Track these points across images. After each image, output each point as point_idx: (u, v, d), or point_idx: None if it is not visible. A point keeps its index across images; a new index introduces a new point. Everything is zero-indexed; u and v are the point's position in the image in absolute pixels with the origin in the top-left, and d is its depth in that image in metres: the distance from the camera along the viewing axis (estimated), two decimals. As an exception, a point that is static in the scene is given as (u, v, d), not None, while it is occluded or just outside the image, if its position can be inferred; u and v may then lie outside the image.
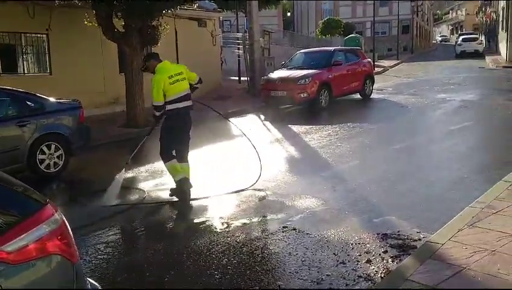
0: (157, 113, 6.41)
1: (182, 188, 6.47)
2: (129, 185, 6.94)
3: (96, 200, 6.39)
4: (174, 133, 6.47)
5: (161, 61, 6.47)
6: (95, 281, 2.52)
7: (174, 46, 16.60)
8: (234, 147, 9.38)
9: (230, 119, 9.22)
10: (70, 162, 8.04)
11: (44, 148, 7.60)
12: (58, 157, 7.79)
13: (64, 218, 2.13)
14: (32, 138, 7.40)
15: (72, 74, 13.41)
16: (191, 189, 6.51)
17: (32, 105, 7.63)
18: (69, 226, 2.15)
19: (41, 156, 7.55)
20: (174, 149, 6.55)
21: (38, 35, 13.27)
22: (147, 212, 6.07)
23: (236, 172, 7.58)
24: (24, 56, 13.14)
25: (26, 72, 13.12)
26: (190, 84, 6.56)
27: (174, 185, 6.52)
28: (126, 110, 12.45)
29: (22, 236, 1.87)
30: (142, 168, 7.91)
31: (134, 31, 11.70)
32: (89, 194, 6.70)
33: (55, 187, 7.54)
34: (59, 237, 2.03)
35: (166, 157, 6.54)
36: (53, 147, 7.71)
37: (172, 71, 6.36)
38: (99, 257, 4.71)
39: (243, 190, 6.55)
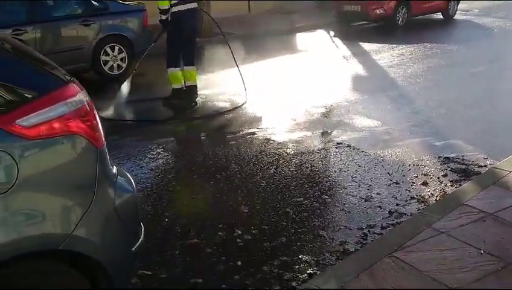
0: (163, 17, 6.25)
1: (179, 95, 6.45)
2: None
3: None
4: (179, 36, 6.30)
5: None
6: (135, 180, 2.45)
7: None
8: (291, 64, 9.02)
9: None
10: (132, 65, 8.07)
11: (108, 50, 7.64)
12: (121, 59, 7.84)
13: (90, 100, 2.02)
14: (96, 38, 7.44)
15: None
16: (197, 98, 6.53)
17: (97, 5, 7.60)
18: (96, 110, 2.05)
19: (104, 58, 7.62)
20: (181, 52, 6.42)
21: None
22: (197, 120, 6.01)
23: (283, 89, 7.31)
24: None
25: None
26: None
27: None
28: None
29: (39, 111, 1.78)
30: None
31: None
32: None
33: (117, 89, 7.62)
34: (83, 118, 1.93)
35: (171, 63, 6.45)
36: (116, 49, 7.73)
37: None
38: (148, 156, 4.77)
39: (237, 108, 6.28)
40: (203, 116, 6.09)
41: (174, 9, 6.19)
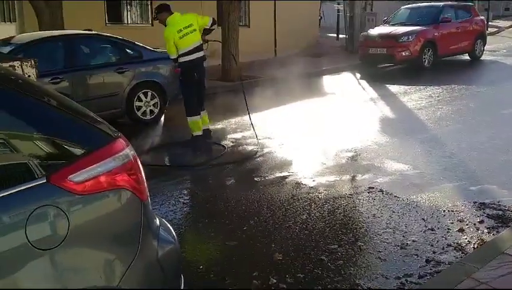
0: (176, 64, 6.58)
1: (197, 142, 6.65)
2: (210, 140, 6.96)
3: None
4: (192, 84, 6.57)
5: (172, 13, 6.50)
6: (169, 223, 2.51)
7: (272, 1, 16.31)
8: (323, 105, 9.10)
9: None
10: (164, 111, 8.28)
11: (141, 96, 7.87)
12: (153, 105, 8.06)
13: (135, 154, 2.10)
14: (130, 84, 7.69)
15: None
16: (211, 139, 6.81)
17: (131, 53, 7.90)
18: (140, 164, 2.13)
19: (138, 103, 7.85)
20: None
21: (142, -12, 13.69)
22: (230, 163, 6.07)
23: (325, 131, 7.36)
24: (128, 7, 13.65)
25: (130, 22, 13.65)
26: (205, 28, 6.60)
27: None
28: (221, 64, 12.54)
29: (90, 167, 1.86)
30: (223, 123, 7.94)
31: (232, -17, 11.61)
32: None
33: (150, 134, 7.81)
34: (129, 172, 2.01)
35: (191, 112, 6.66)
36: (149, 94, 7.97)
37: (181, 24, 6.40)
38: (181, 201, 4.83)
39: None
40: (233, 160, 6.16)
41: (184, 59, 6.49)
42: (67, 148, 1.90)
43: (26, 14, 11.28)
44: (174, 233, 2.32)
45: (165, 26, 6.50)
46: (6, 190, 1.66)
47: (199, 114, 6.72)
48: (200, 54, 6.61)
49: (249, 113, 7.13)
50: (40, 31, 8.95)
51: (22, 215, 1.67)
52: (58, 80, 6.97)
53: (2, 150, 1.79)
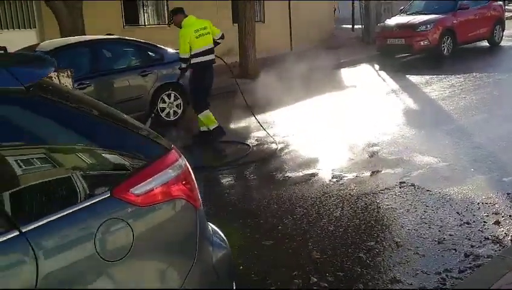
0: (183, 66, 6.77)
1: (218, 134, 6.87)
2: (234, 139, 7.04)
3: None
4: (202, 83, 6.81)
5: (187, 16, 6.76)
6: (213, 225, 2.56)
7: (286, -3, 16.28)
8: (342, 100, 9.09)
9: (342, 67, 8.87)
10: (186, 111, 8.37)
11: (165, 97, 7.96)
12: (177, 106, 8.14)
13: (187, 163, 2.16)
14: (153, 87, 7.79)
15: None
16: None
17: (153, 55, 7.99)
18: (192, 172, 2.18)
19: (161, 105, 7.94)
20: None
21: (158, -12, 13.77)
22: (256, 162, 6.13)
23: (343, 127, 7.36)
24: (144, 8, 13.74)
25: (146, 23, 13.75)
26: (213, 39, 6.80)
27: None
28: (239, 61, 12.59)
29: (149, 180, 1.91)
30: (245, 121, 7.97)
31: (248, -20, 11.63)
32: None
33: (176, 134, 7.89)
34: (183, 182, 2.06)
35: (201, 107, 6.86)
36: (172, 96, 8.05)
37: (197, 25, 6.67)
38: (214, 203, 4.89)
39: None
40: (260, 159, 6.20)
41: (197, 60, 6.69)
42: (127, 161, 1.96)
43: (45, 20, 11.42)
44: (225, 238, 2.38)
45: (180, 28, 6.67)
46: (74, 205, 1.72)
47: (209, 107, 6.91)
48: (212, 56, 6.85)
49: (253, 114, 7.33)
50: (61, 36, 9.07)
51: (89, 229, 1.73)
52: (85, 85, 7.08)
53: (64, 164, 1.85)
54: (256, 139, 7.01)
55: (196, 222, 2.08)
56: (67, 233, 1.68)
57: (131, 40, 8.08)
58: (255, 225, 4.34)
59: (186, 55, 6.65)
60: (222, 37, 6.97)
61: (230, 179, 5.73)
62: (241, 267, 3.62)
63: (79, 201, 1.74)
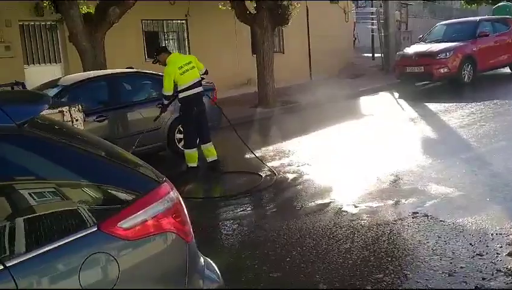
0: (166, 102, 6.97)
1: (194, 174, 6.94)
2: (248, 170, 7.04)
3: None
4: (191, 118, 6.91)
5: (170, 53, 6.98)
6: (212, 259, 2.56)
7: (305, 25, 16.50)
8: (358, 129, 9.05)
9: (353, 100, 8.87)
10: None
11: (181, 128, 8.05)
12: (193, 136, 8.21)
13: (179, 196, 2.18)
14: (170, 118, 7.90)
15: (208, 56, 14.05)
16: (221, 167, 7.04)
17: (170, 87, 8.12)
18: (184, 205, 2.20)
19: (178, 135, 8.04)
20: (197, 132, 6.98)
21: (179, 21, 14.15)
22: (269, 192, 6.11)
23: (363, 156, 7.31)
24: (166, 41, 14.11)
25: (168, 56, 14.07)
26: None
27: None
28: (258, 91, 12.72)
29: (138, 213, 1.94)
30: (261, 151, 8.01)
31: (266, 12, 11.84)
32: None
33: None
34: (174, 215, 2.09)
35: (188, 144, 7.02)
36: (189, 127, 8.13)
37: (181, 62, 6.82)
38: (223, 232, 4.89)
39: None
40: (272, 189, 6.19)
41: (183, 94, 6.83)
42: (115, 195, 2.01)
43: (70, 55, 11.85)
44: (218, 271, 2.38)
45: (165, 66, 6.88)
46: (61, 239, 1.76)
47: (195, 147, 7.05)
48: (199, 89, 7.00)
49: (249, 148, 7.33)
50: (83, 70, 9.36)
51: (75, 262, 1.76)
52: (103, 118, 7.25)
53: (54, 199, 1.90)
54: (270, 170, 7.00)
55: (186, 256, 2.09)
56: (52, 267, 1.71)
57: (148, 73, 8.26)
58: (263, 257, 4.31)
59: (169, 92, 6.84)
60: (206, 73, 7.13)
61: (242, 209, 5.72)
62: (246, 300, 3.59)
63: (65, 235, 1.78)
